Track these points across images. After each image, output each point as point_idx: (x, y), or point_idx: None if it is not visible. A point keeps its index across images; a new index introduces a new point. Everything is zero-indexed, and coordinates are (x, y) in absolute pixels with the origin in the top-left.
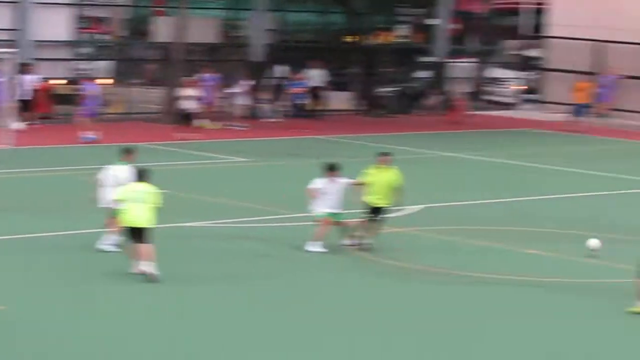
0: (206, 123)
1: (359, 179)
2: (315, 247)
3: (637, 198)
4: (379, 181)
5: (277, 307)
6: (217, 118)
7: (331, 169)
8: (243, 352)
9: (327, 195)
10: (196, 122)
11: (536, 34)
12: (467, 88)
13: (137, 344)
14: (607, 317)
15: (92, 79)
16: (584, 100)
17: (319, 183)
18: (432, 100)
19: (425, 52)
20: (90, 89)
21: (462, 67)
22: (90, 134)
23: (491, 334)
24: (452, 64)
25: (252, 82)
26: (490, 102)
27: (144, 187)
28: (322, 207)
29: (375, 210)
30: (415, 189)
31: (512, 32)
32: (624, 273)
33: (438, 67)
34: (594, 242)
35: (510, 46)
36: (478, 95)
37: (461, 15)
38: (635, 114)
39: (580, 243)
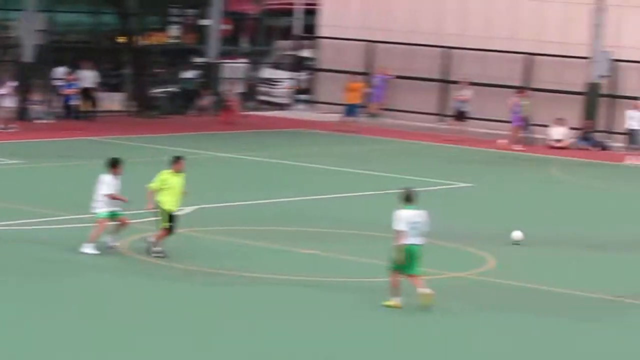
0: None
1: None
2: (89, 249)
3: None
4: (174, 186)
5: (48, 310)
6: None
7: (114, 165)
8: (14, 355)
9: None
10: None
11: (308, 34)
12: (240, 88)
13: None
14: (380, 314)
15: None
16: (356, 100)
17: (106, 180)
18: (206, 101)
19: (197, 53)
20: None
21: (235, 67)
22: None
23: (268, 333)
24: (224, 64)
25: (18, 83)
26: (263, 102)
27: None
28: (103, 207)
29: (172, 217)
30: (190, 190)
31: (284, 33)
32: None
33: (211, 68)
34: (517, 234)
35: (283, 47)
36: (251, 96)
37: (233, 16)
38: (406, 113)
39: (353, 242)
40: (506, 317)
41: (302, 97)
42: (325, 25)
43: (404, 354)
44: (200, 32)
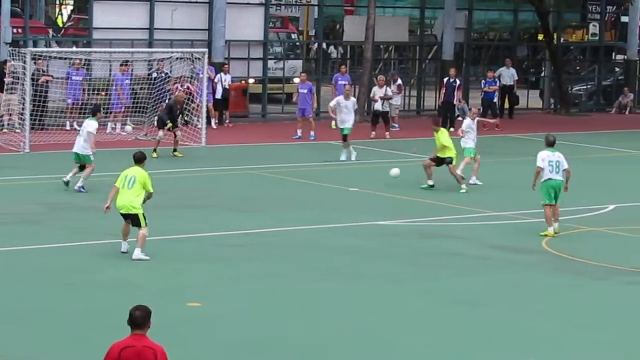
0: None
1: None
2: None
3: None
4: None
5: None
6: None
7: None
8: None
9: None
10: None
11: None
12: None
13: None
14: None
15: None
16: None
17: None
18: (626, 99)
19: (617, 50)
20: None
21: None
22: None
23: None
24: None
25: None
26: None
27: None
28: None
29: None
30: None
31: None
32: None
33: (630, 66)
34: (394, 171)
35: None
36: None
37: None
38: None
39: None
40: None
41: None
42: None
43: None
44: (620, 29)
